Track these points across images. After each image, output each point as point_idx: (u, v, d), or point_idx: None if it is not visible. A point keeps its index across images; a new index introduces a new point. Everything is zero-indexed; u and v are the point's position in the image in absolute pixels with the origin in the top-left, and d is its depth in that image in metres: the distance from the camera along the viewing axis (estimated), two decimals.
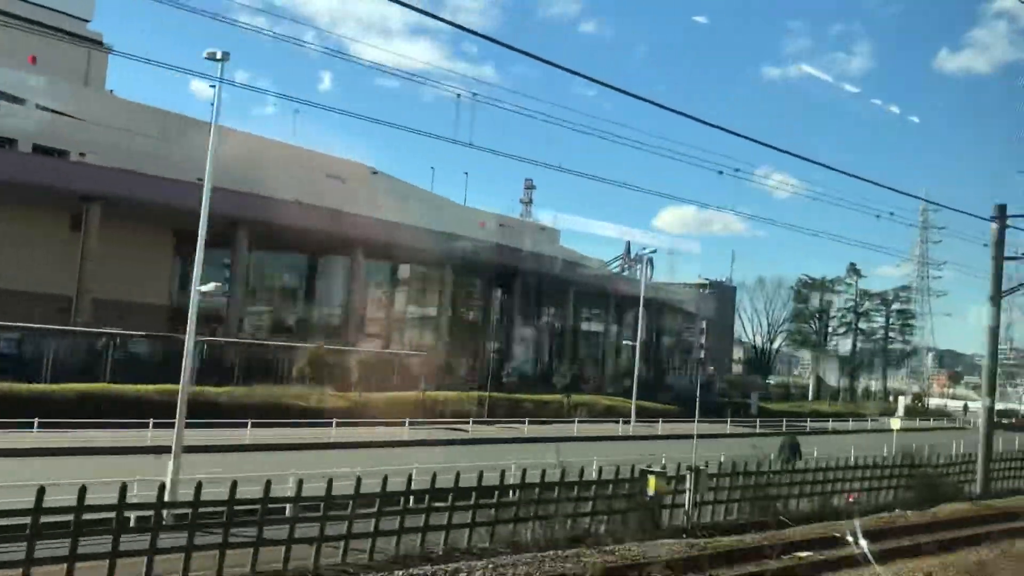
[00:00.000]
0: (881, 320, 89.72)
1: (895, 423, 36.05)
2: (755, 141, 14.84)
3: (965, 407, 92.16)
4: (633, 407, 42.07)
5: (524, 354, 65.37)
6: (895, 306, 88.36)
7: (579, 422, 40.27)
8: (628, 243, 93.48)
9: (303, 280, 64.30)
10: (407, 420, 32.31)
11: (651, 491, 17.04)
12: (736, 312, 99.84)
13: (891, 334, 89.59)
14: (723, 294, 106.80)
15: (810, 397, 76.52)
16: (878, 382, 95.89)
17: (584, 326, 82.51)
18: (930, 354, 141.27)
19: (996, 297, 26.16)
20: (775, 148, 16.11)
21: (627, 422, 42.96)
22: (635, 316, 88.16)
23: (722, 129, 13.67)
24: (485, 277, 71.62)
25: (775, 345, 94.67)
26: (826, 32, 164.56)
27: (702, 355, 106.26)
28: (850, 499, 23.77)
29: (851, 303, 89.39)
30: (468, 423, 35.74)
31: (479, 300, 72.79)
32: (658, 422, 43.07)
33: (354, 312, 59.55)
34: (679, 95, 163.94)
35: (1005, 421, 75.56)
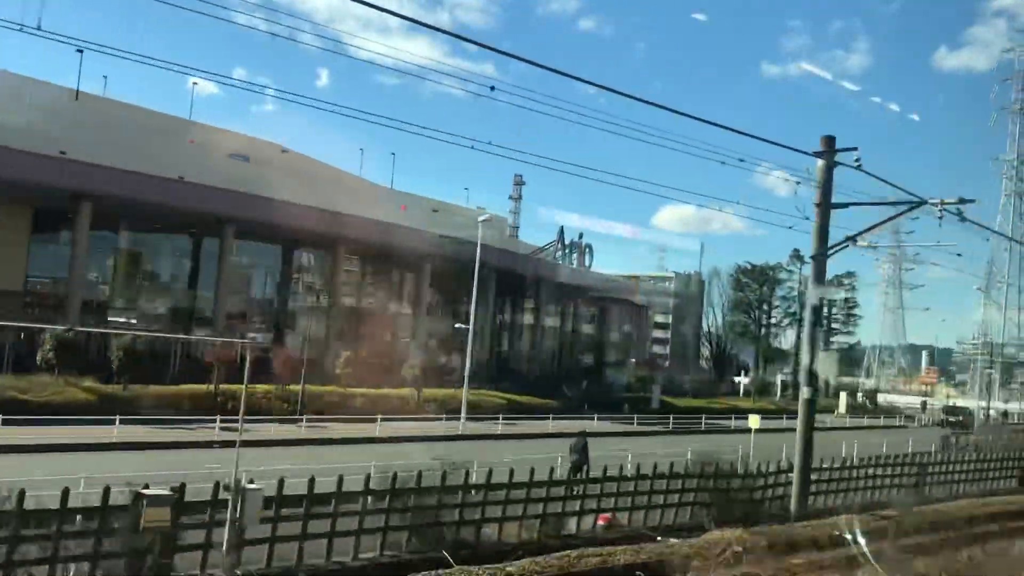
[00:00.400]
0: (825, 310, 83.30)
1: (754, 421, 29.88)
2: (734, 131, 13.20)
3: (924, 404, 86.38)
4: (464, 401, 35.85)
5: (408, 344, 59.21)
6: (839, 294, 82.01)
7: (382, 420, 33.98)
8: (562, 228, 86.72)
9: (177, 263, 58.78)
10: (117, 417, 26.06)
11: (142, 524, 10.85)
12: (703, 306, 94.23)
13: (834, 325, 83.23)
14: (690, 288, 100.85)
15: (741, 393, 70.33)
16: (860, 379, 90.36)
17: (508, 317, 76.87)
18: (924, 352, 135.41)
19: (820, 255, 20.02)
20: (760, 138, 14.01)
21: (473, 419, 36.92)
22: (572, 305, 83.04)
23: (704, 121, 12.55)
24: (382, 262, 66.31)
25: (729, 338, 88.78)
26: (825, 30, 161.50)
27: (654, 350, 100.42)
28: (603, 521, 17.68)
29: (795, 292, 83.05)
30: (215, 421, 29.38)
31: (373, 286, 66.96)
32: (499, 419, 36.92)
33: (222, 298, 53.81)
34: (678, 92, 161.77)
35: (952, 419, 69.96)
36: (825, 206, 19.89)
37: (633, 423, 41.75)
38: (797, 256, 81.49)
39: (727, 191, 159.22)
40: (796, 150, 19.34)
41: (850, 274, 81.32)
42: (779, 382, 78.75)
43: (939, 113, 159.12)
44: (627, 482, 18.19)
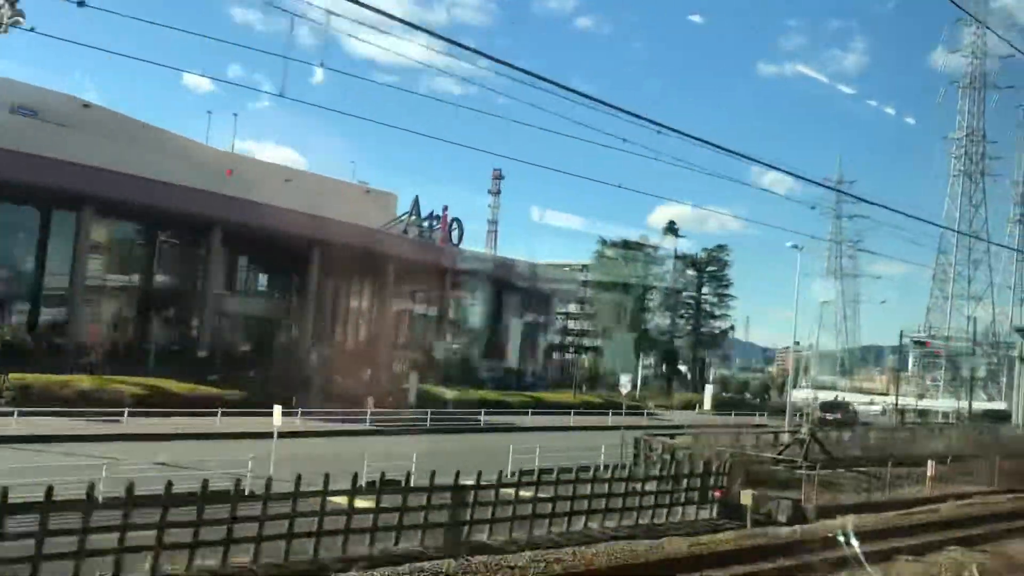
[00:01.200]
0: (703, 291, 71.89)
1: (277, 415, 19.09)
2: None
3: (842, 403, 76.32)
4: None
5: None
6: (709, 270, 70.61)
7: None
8: (416, 198, 74.38)
9: None
10: None
11: None
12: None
13: (704, 307, 71.83)
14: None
15: (583, 388, 59.56)
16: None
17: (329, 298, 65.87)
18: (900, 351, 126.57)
19: None
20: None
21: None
22: (416, 287, 71.75)
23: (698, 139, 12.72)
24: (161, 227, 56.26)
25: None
26: (822, 29, 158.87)
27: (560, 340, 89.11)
28: None
29: (671, 272, 71.91)
30: None
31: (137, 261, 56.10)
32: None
33: None
34: (676, 91, 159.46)
35: (830, 417, 59.37)
36: None
37: (302, 417, 30.70)
38: (671, 229, 70.50)
39: (726, 190, 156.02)
40: None
41: (721, 247, 69.77)
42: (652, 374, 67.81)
43: (936, 112, 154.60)
44: None
